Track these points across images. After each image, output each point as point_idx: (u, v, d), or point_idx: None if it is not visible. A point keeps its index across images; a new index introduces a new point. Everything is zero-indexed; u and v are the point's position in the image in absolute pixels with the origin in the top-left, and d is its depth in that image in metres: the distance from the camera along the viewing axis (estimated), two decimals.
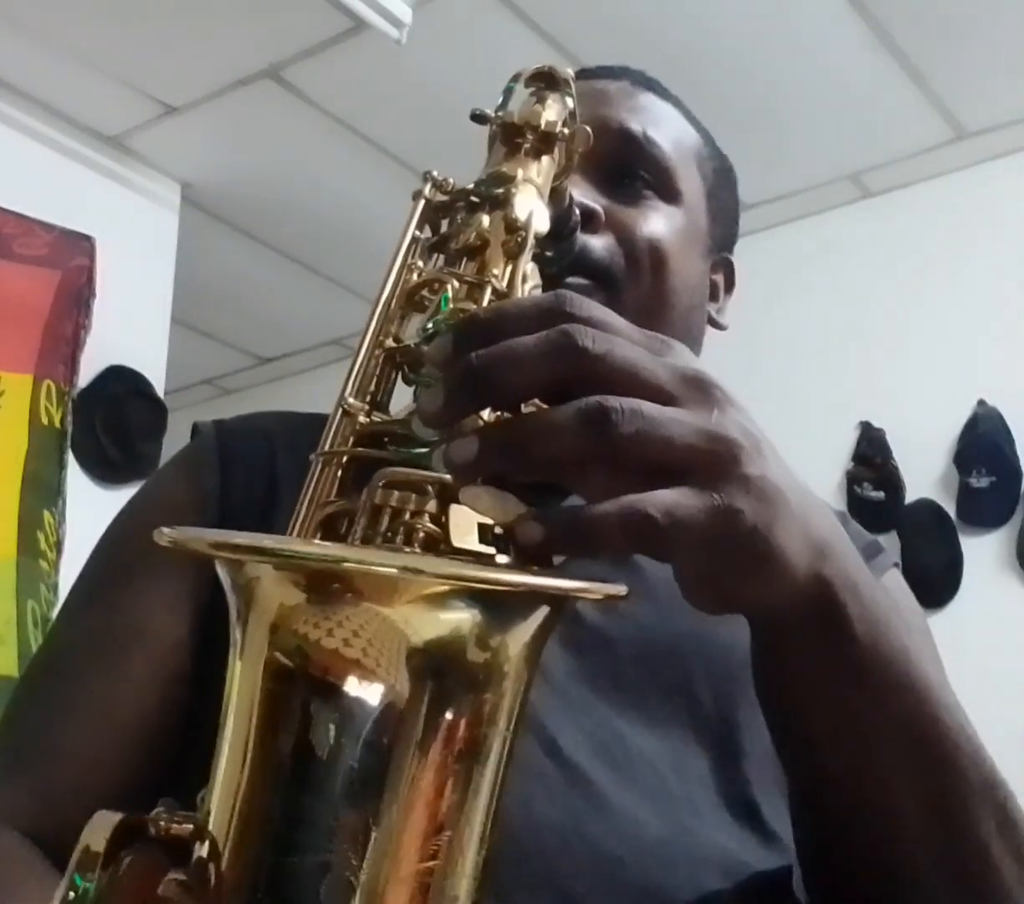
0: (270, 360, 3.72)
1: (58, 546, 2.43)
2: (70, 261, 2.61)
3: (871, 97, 2.54)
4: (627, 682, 0.67)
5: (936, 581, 2.42)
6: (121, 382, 2.69)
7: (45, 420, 2.51)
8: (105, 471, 2.62)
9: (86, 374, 2.61)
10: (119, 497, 0.77)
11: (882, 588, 0.52)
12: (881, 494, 2.61)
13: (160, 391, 2.80)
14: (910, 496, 2.60)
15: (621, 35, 2.31)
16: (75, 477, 2.55)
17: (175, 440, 2.39)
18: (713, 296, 0.86)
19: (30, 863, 0.59)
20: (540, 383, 0.43)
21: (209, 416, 0.81)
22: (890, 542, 2.41)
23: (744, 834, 0.65)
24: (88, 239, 2.64)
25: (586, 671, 0.67)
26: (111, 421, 2.63)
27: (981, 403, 2.55)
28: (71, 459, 2.56)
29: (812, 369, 2.72)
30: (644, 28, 2.32)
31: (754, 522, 0.44)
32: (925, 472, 2.59)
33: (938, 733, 0.52)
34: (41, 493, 2.46)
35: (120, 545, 0.73)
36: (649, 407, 0.43)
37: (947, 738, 0.53)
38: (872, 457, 2.64)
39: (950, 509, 2.54)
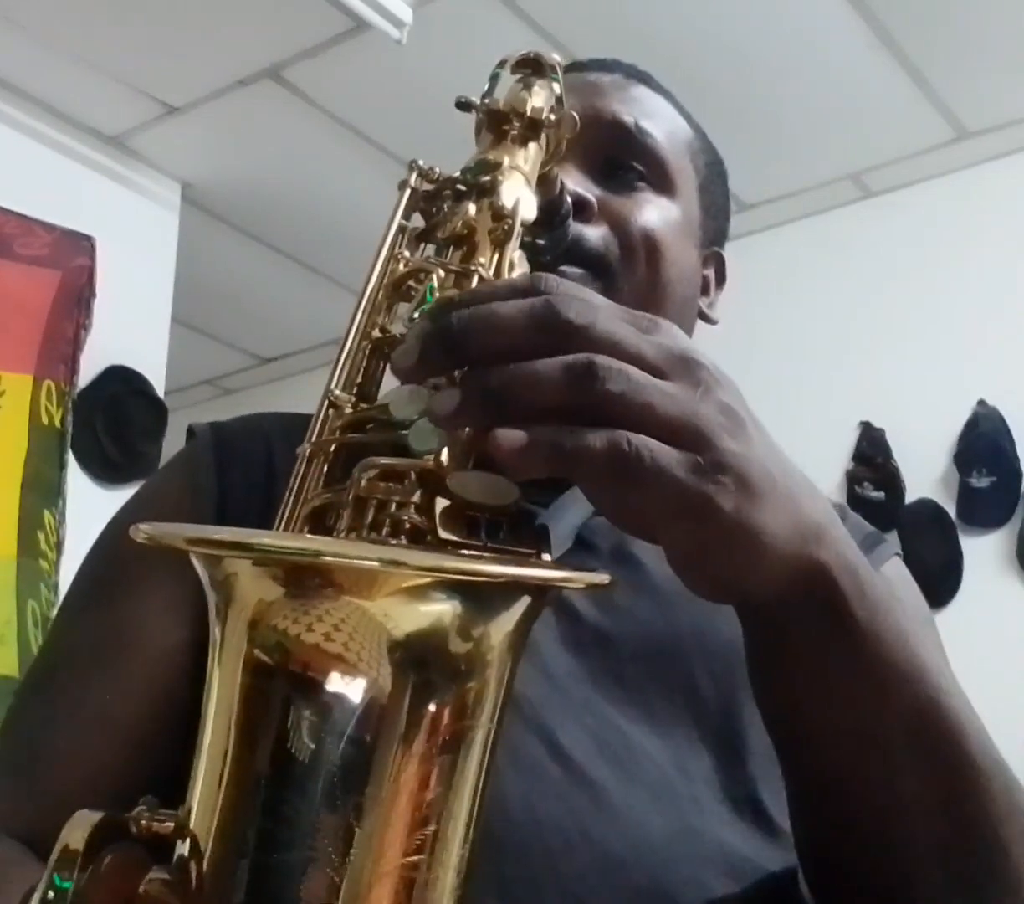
0: (270, 360, 3.71)
1: (58, 546, 2.43)
2: (70, 261, 2.60)
3: (871, 97, 2.53)
4: (629, 680, 0.67)
5: (936, 581, 2.41)
6: (121, 382, 2.69)
7: (45, 420, 2.51)
8: (105, 471, 2.62)
9: (86, 374, 2.61)
10: (119, 497, 0.77)
11: (880, 575, 0.52)
12: (881, 494, 2.60)
13: (160, 391, 2.79)
14: (910, 496, 2.59)
15: (622, 35, 2.31)
16: (75, 477, 2.55)
17: (175, 440, 2.37)
18: (704, 290, 0.86)
19: (25, 868, 0.58)
20: (516, 349, 0.43)
21: (209, 416, 0.81)
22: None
23: (749, 831, 0.64)
24: (88, 239, 2.63)
25: (587, 670, 0.66)
26: (111, 421, 2.63)
27: (981, 403, 2.55)
28: (71, 459, 2.55)
29: (812, 369, 2.72)
30: (645, 28, 2.32)
31: (734, 497, 0.43)
32: (925, 472, 2.59)
33: (942, 720, 0.52)
34: (41, 493, 2.46)
35: (116, 548, 0.73)
36: (636, 372, 0.43)
37: (952, 725, 0.52)
38: (872, 457, 2.64)
39: (950, 509, 2.53)
